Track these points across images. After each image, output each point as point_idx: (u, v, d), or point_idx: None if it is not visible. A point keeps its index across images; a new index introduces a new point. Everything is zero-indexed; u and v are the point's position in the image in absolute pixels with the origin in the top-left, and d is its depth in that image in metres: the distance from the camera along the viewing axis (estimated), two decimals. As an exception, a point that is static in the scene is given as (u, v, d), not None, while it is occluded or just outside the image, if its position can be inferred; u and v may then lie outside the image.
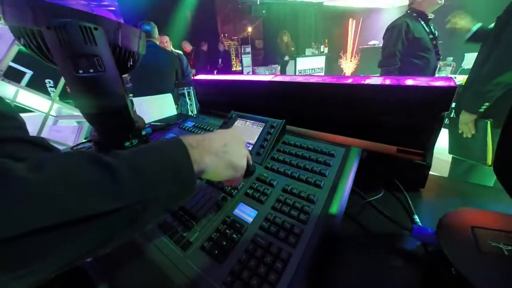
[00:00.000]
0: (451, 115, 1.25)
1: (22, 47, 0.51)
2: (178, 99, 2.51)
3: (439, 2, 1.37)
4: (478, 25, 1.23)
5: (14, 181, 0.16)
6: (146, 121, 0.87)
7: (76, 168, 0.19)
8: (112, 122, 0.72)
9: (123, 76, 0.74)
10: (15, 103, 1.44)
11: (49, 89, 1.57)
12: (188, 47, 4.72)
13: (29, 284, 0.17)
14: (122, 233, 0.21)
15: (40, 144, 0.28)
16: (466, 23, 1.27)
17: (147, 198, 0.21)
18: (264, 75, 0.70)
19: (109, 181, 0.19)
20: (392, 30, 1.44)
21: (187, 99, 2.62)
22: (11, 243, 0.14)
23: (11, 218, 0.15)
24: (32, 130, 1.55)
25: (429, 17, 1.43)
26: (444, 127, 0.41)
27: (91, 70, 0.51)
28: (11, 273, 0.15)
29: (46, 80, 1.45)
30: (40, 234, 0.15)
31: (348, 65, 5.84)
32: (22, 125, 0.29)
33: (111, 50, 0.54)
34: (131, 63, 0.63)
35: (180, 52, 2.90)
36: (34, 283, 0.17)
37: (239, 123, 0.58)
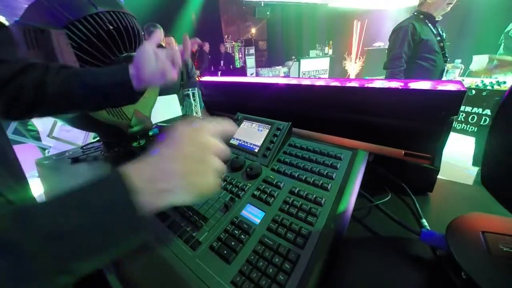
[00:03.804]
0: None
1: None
2: (183, 100, 2.54)
3: (446, 9, 1.36)
4: None
5: None
6: (153, 122, 0.89)
7: None
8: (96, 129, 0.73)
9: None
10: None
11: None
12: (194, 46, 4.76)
13: None
14: None
15: None
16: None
17: (70, 268, 0.18)
18: (270, 77, 0.71)
19: (13, 267, 0.16)
20: (398, 31, 1.43)
21: (192, 100, 2.65)
22: None
23: None
24: (44, 129, 1.59)
25: (437, 19, 1.42)
26: (453, 131, 0.41)
27: None
28: None
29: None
30: None
31: (353, 67, 5.81)
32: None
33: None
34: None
35: (185, 53, 2.93)
36: None
37: (245, 125, 0.59)
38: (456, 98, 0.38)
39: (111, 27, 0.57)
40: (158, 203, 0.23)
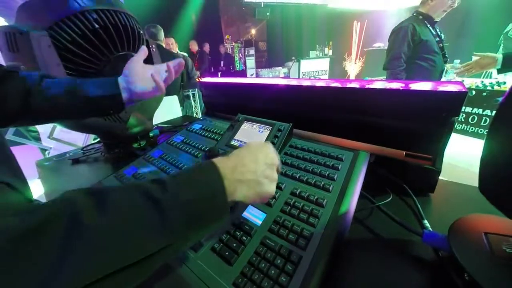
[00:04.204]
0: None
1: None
2: (183, 101, 2.54)
3: (442, 15, 1.38)
4: (500, 55, 1.15)
5: (86, 228, 0.17)
6: (153, 123, 0.89)
7: (133, 210, 0.20)
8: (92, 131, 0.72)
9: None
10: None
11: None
12: (195, 47, 4.78)
13: None
14: (165, 261, 0.22)
15: None
16: (486, 62, 1.18)
17: (189, 234, 0.23)
18: (270, 78, 0.71)
19: (160, 221, 0.20)
20: (398, 32, 1.43)
21: (192, 101, 2.65)
22: None
23: (84, 267, 0.16)
24: (44, 130, 1.59)
25: (435, 20, 1.42)
26: (453, 132, 0.41)
27: None
28: None
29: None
30: (107, 279, 0.17)
31: (352, 68, 5.82)
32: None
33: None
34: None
35: (185, 54, 2.94)
36: None
37: (246, 126, 0.59)
38: (457, 99, 0.38)
39: (96, 26, 0.54)
40: (234, 191, 0.27)
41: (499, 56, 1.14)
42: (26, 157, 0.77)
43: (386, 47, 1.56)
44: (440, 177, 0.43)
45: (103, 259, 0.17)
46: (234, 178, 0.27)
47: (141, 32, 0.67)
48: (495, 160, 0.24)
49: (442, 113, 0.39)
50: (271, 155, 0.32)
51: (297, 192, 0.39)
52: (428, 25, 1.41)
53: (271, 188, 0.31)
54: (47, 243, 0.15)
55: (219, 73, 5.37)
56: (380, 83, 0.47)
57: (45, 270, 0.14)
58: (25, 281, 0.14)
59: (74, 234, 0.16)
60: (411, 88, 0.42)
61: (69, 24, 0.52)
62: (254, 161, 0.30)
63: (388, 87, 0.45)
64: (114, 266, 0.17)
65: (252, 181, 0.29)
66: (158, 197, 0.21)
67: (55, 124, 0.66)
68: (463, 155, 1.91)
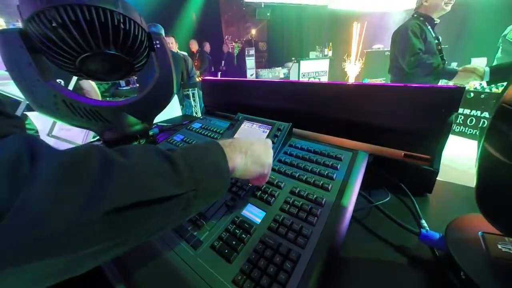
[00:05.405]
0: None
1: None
2: (183, 100, 2.54)
3: (446, 8, 1.34)
4: (487, 68, 1.18)
5: (116, 164, 0.20)
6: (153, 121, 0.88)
7: (150, 157, 0.23)
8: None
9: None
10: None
11: (59, 88, 1.60)
12: (194, 46, 4.77)
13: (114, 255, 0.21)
14: (177, 218, 0.25)
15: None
16: (475, 74, 1.21)
17: (197, 188, 0.25)
18: (270, 80, 0.71)
19: (172, 170, 0.24)
20: (406, 30, 1.37)
21: (192, 100, 2.64)
22: (109, 216, 0.18)
23: (114, 194, 0.19)
24: (44, 128, 1.58)
25: (435, 22, 1.42)
26: (452, 134, 0.41)
27: None
28: (109, 241, 0.19)
29: (58, 80, 1.49)
30: (131, 209, 0.19)
31: (352, 69, 5.82)
32: (22, 125, 0.32)
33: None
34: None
35: (185, 53, 2.94)
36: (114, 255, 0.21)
37: (245, 125, 0.59)
38: (456, 94, 0.38)
39: (53, 24, 0.49)
40: (234, 158, 0.31)
41: (486, 74, 1.17)
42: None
43: (386, 49, 1.54)
44: (437, 178, 0.44)
45: (131, 189, 0.20)
46: (231, 146, 0.32)
47: (126, 27, 0.59)
48: (493, 172, 0.22)
49: (441, 108, 0.40)
50: (263, 139, 0.39)
51: (297, 191, 0.40)
52: (429, 27, 1.41)
53: (268, 158, 0.36)
54: (90, 168, 0.19)
55: (219, 73, 5.36)
56: (379, 80, 0.47)
57: (91, 188, 0.18)
58: (79, 193, 0.18)
59: (108, 165, 0.20)
60: (409, 85, 0.43)
61: (33, 22, 0.49)
62: (247, 139, 0.36)
63: (385, 84, 0.45)
64: (141, 196, 0.20)
65: (249, 150, 0.34)
66: (167, 153, 0.25)
67: (55, 120, 0.64)
68: (461, 157, 1.93)
